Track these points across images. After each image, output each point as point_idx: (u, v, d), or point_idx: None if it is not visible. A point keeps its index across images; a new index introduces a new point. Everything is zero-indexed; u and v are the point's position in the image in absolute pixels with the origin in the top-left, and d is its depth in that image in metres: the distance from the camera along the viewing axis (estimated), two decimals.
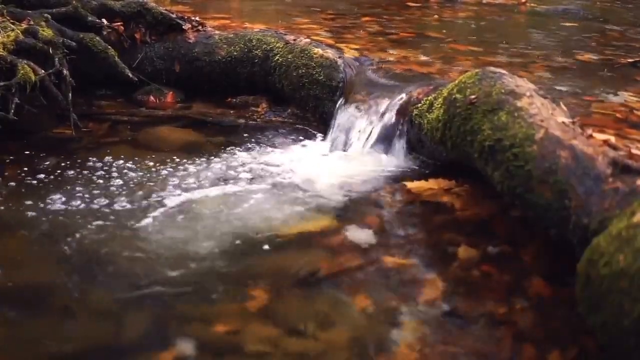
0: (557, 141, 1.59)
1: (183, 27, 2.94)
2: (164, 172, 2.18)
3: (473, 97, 1.88)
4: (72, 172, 2.16)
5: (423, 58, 2.98)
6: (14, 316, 1.47)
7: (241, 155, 2.35)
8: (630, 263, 1.15)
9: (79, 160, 2.25)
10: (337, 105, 2.54)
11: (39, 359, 1.35)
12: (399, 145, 2.31)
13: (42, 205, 1.92)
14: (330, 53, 2.70)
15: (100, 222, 1.84)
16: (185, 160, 2.28)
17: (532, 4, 5.42)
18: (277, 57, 2.80)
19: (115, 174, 2.14)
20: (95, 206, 1.93)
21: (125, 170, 2.17)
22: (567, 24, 4.53)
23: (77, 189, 2.03)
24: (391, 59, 2.88)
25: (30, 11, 2.70)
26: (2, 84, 2.30)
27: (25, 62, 2.39)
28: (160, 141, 2.51)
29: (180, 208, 1.94)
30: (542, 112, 1.73)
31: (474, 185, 2.02)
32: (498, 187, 1.72)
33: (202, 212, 1.92)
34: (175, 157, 2.30)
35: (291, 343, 1.38)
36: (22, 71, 2.35)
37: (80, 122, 2.54)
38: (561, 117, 1.73)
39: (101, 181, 2.09)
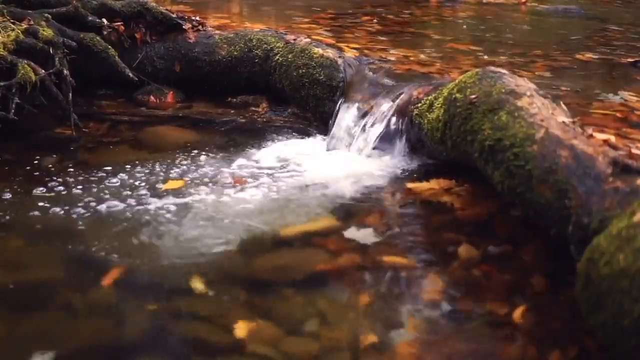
0: (558, 141, 1.59)
1: (183, 27, 2.94)
2: (164, 171, 2.18)
3: (473, 96, 1.88)
4: (72, 171, 2.16)
5: (423, 57, 2.98)
6: (14, 315, 1.47)
7: (241, 155, 2.35)
8: (631, 263, 1.15)
9: (79, 160, 2.26)
10: (338, 105, 2.54)
11: (39, 359, 1.35)
12: (399, 144, 2.30)
13: (42, 204, 1.92)
14: (330, 53, 2.70)
15: (100, 222, 1.84)
16: (185, 160, 2.28)
17: (533, 4, 5.42)
18: (277, 57, 2.80)
19: (115, 174, 2.14)
20: (95, 205, 1.93)
21: (125, 170, 2.17)
22: (568, 24, 4.53)
23: (77, 188, 2.03)
24: (391, 58, 2.88)
25: (30, 11, 2.70)
26: (2, 83, 2.30)
27: (26, 62, 2.39)
28: (160, 141, 2.51)
29: (180, 207, 1.94)
30: (543, 111, 1.73)
31: (474, 185, 2.02)
32: (498, 187, 1.72)
33: (201, 212, 1.92)
34: (175, 157, 2.30)
35: (291, 343, 1.38)
36: (22, 71, 2.35)
37: (80, 122, 2.54)
38: (561, 116, 1.73)
39: (101, 181, 2.09)
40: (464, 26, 4.38)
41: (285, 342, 1.38)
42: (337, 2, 4.85)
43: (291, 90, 2.74)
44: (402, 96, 2.35)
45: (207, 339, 1.40)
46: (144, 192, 2.03)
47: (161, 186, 2.07)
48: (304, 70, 2.67)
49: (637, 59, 3.21)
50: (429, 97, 2.19)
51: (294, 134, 2.59)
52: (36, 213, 1.88)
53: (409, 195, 2.06)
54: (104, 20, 2.81)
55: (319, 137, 2.54)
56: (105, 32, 2.79)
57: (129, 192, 2.02)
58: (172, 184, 2.06)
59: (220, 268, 1.66)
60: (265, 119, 2.74)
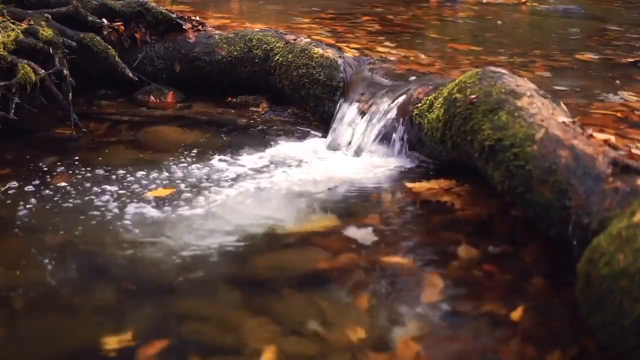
0: (558, 141, 1.59)
1: (183, 26, 2.95)
2: (164, 172, 2.18)
3: (473, 96, 1.88)
4: (72, 171, 2.16)
5: (423, 57, 2.98)
6: (15, 315, 1.47)
7: (241, 155, 2.35)
8: (631, 263, 1.15)
9: (78, 160, 2.25)
10: (338, 105, 2.54)
11: (40, 358, 1.35)
12: (399, 144, 2.31)
13: (42, 204, 1.92)
14: (330, 53, 2.70)
15: (100, 222, 1.84)
16: (185, 160, 2.28)
17: (533, 4, 5.42)
18: (277, 57, 2.80)
19: (115, 174, 2.14)
20: (96, 206, 1.93)
21: (125, 170, 2.17)
22: (568, 24, 4.53)
23: (77, 188, 2.03)
24: (391, 58, 2.88)
25: (30, 11, 2.70)
26: (2, 84, 2.30)
27: (26, 62, 2.39)
28: (160, 141, 2.51)
29: (180, 207, 1.94)
30: (543, 111, 1.73)
31: (474, 185, 2.02)
32: (498, 187, 1.72)
33: (201, 212, 1.92)
34: (175, 157, 2.30)
35: (291, 343, 1.38)
36: (22, 71, 2.35)
37: (80, 122, 2.55)
38: (561, 116, 1.73)
39: (101, 181, 2.09)
40: (464, 26, 4.38)
41: (285, 342, 1.38)
42: (337, 2, 4.85)
43: (291, 90, 2.74)
44: (402, 96, 2.35)
45: (207, 339, 1.40)
46: (143, 191, 2.03)
47: (160, 186, 2.07)
48: (304, 70, 2.67)
49: (637, 59, 3.22)
50: (429, 97, 2.19)
51: (294, 134, 2.59)
52: (36, 213, 1.88)
53: (409, 195, 2.06)
54: (104, 20, 2.81)
55: (319, 137, 2.54)
56: (105, 32, 2.80)
57: (129, 193, 2.02)
58: (161, 192, 2.04)
59: (220, 268, 1.66)
60: (265, 119, 2.75)
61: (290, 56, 2.75)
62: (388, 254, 1.73)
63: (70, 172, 2.15)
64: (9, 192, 2.00)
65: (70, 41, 2.59)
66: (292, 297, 1.56)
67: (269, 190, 2.08)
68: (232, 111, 2.80)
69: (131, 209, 1.92)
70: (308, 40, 2.83)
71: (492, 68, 2.00)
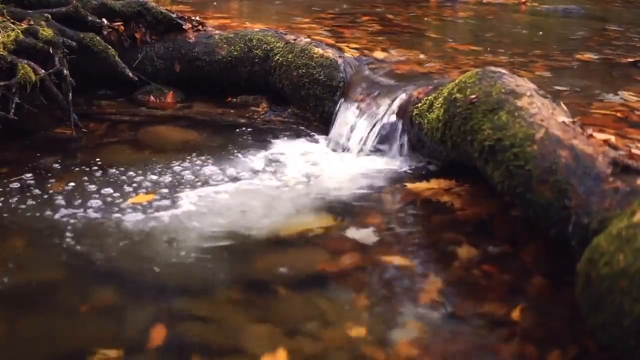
0: (558, 141, 1.59)
1: (183, 26, 2.94)
2: (164, 172, 2.18)
3: (473, 96, 1.88)
4: (72, 171, 2.16)
5: (423, 58, 2.98)
6: (15, 315, 1.47)
7: (241, 155, 2.35)
8: (631, 263, 1.15)
9: (79, 160, 2.26)
10: (338, 105, 2.54)
11: (40, 358, 1.35)
12: (399, 144, 2.31)
13: (42, 204, 1.92)
14: (330, 53, 2.70)
15: (100, 222, 1.84)
16: (185, 160, 2.28)
17: (533, 4, 5.43)
18: (277, 57, 2.80)
19: (115, 174, 2.14)
20: (95, 206, 1.93)
21: (125, 170, 2.17)
22: (568, 24, 4.54)
23: (77, 188, 2.03)
24: (391, 58, 2.88)
25: (30, 11, 2.70)
26: (2, 83, 2.30)
27: (26, 61, 2.39)
28: (160, 141, 2.51)
29: (180, 207, 1.94)
30: (543, 111, 1.73)
31: (474, 185, 2.02)
32: (498, 187, 1.72)
33: (201, 212, 1.92)
34: (175, 157, 2.30)
35: (291, 343, 1.38)
36: (22, 71, 2.35)
37: (80, 122, 2.54)
38: (561, 116, 1.73)
39: (101, 181, 2.09)
40: (464, 26, 4.38)
41: (285, 343, 1.38)
42: (337, 2, 4.85)
43: (291, 90, 2.74)
44: (402, 96, 2.35)
45: (207, 340, 1.40)
46: (143, 191, 2.03)
47: (160, 186, 2.07)
48: (304, 70, 2.67)
49: (637, 59, 3.22)
50: (429, 97, 2.19)
51: (293, 134, 2.59)
52: (36, 213, 1.88)
53: (409, 195, 2.06)
54: (104, 20, 2.81)
55: (319, 137, 2.54)
56: (105, 32, 2.79)
57: (128, 192, 2.02)
58: (160, 192, 2.03)
59: (220, 268, 1.66)
60: (265, 119, 2.74)
61: (290, 56, 2.75)
62: (388, 254, 1.73)
63: (70, 172, 2.15)
64: (8, 192, 2.00)
65: (70, 41, 2.59)
66: (292, 297, 1.56)
67: (269, 190, 2.08)
68: (232, 111, 2.80)
69: (131, 209, 1.92)
70: (308, 40, 2.83)
71: (492, 68, 2.00)
